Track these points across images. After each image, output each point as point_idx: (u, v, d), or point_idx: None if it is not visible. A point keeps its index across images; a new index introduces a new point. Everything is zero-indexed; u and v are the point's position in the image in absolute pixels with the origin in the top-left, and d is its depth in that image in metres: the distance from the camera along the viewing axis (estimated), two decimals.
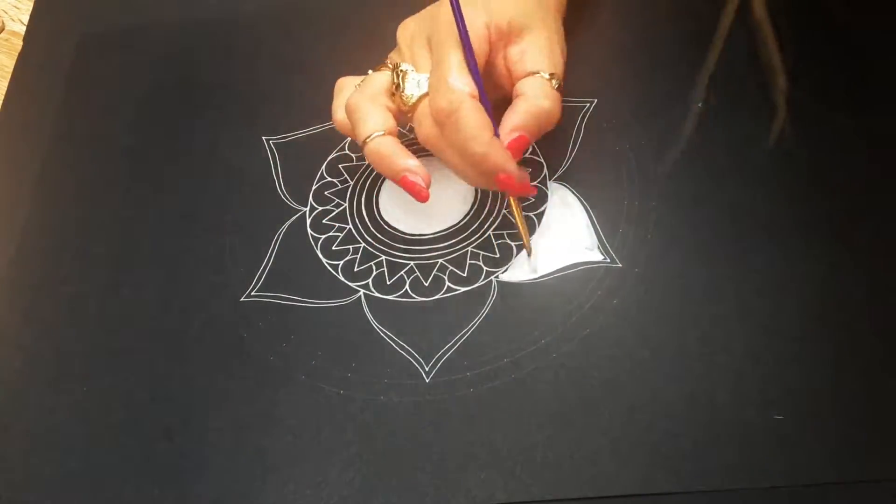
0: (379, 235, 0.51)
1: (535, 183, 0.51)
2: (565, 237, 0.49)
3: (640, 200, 0.50)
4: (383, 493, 0.43)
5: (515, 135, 0.45)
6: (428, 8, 0.49)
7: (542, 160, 0.52)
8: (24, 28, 0.64)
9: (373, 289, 0.49)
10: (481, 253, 0.50)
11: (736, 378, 0.43)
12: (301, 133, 0.57)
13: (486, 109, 0.45)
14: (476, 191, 0.52)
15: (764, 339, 0.44)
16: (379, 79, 0.49)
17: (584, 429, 0.43)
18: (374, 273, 0.50)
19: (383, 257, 0.50)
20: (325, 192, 0.54)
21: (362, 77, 0.50)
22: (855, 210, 0.47)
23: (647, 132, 0.52)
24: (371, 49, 0.53)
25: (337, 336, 0.48)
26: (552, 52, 0.47)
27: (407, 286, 0.49)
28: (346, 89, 0.50)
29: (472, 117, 0.44)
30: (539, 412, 0.44)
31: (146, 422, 0.47)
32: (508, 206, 0.50)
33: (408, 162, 0.46)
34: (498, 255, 0.49)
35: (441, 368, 0.46)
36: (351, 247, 0.51)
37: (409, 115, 0.48)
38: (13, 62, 0.63)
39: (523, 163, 0.48)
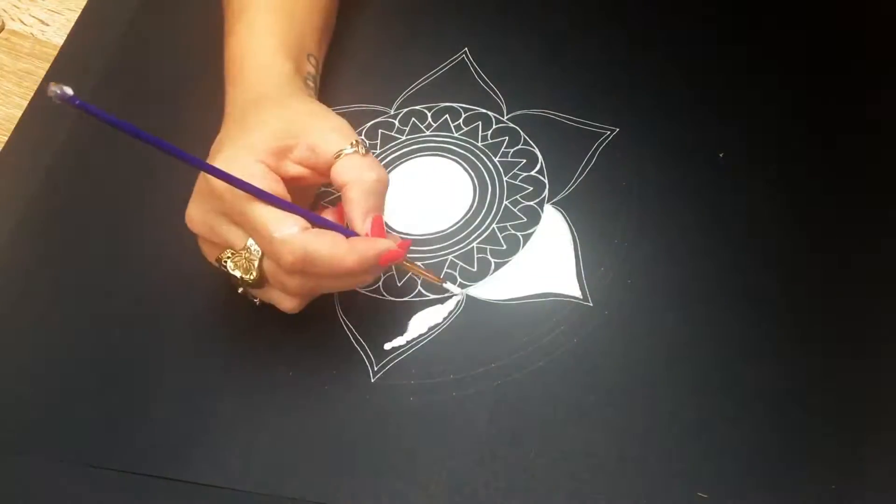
0: None
1: (533, 203, 0.51)
2: (545, 264, 0.48)
3: (631, 243, 0.48)
4: (299, 478, 0.43)
5: (369, 219, 0.43)
6: (196, 189, 0.44)
7: (546, 181, 0.51)
8: (24, 27, 0.65)
9: None
10: (460, 264, 0.49)
11: (670, 454, 0.41)
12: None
13: (320, 223, 0.43)
14: (473, 196, 0.52)
15: (710, 422, 0.42)
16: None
17: (507, 462, 0.42)
18: (385, 276, 0.49)
19: None
20: None
21: None
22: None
23: (660, 174, 0.50)
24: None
25: (302, 317, 0.48)
26: (331, 124, 0.45)
27: (380, 284, 0.49)
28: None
29: (322, 247, 0.41)
30: (468, 437, 0.43)
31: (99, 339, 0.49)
32: (406, 267, 0.48)
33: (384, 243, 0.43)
34: (475, 270, 0.49)
35: (388, 371, 0.46)
36: None
37: (264, 285, 0.44)
38: (13, 62, 0.63)
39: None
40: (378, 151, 0.55)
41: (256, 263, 0.42)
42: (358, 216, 0.43)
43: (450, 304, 0.48)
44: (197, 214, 0.44)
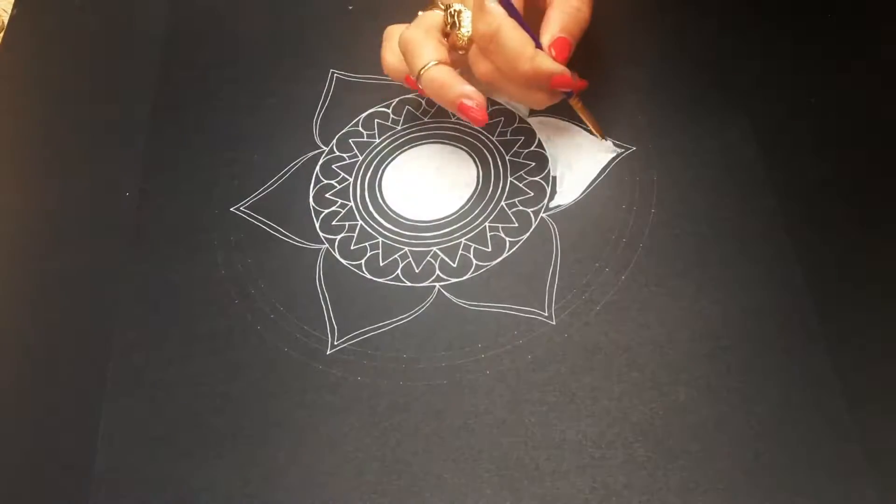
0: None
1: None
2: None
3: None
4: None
5: (556, 38, 0.48)
6: None
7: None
8: None
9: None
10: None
11: None
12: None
13: (525, 28, 0.47)
14: (477, 177, 0.52)
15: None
16: (431, 17, 0.51)
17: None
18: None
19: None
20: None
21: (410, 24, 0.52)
22: None
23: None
24: None
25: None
26: None
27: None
28: (396, 35, 0.52)
29: (512, 36, 0.47)
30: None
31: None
32: (575, 107, 0.51)
33: (464, 88, 0.48)
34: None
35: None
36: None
37: (464, 52, 0.50)
38: None
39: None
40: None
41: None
42: (549, 33, 0.48)
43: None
44: None
